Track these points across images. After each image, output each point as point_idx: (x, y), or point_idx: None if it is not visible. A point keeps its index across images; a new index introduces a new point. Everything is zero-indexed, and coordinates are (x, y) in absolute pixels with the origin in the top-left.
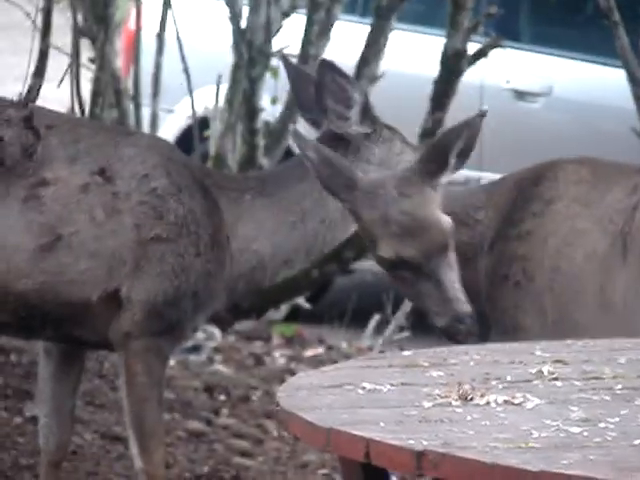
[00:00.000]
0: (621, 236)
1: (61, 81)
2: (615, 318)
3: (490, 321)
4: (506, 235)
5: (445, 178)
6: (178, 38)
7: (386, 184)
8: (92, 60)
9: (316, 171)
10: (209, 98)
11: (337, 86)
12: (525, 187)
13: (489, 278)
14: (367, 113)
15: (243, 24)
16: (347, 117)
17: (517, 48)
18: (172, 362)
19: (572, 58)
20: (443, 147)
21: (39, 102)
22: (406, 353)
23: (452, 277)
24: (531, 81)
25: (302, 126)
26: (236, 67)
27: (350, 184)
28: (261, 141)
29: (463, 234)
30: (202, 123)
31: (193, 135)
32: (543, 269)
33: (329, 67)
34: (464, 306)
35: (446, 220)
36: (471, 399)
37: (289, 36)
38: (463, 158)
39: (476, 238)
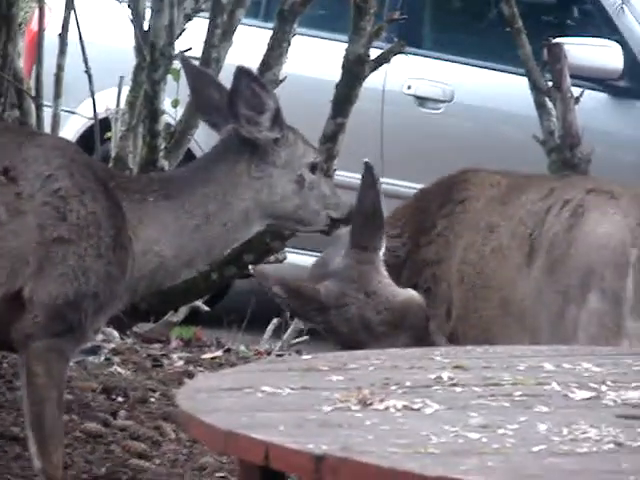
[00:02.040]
0: (530, 238)
1: None
2: (514, 318)
3: None
4: (418, 244)
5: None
6: (80, 39)
7: (349, 292)
8: None
9: (286, 305)
10: (111, 100)
11: (251, 92)
12: (437, 195)
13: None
14: (277, 119)
15: (146, 26)
16: (258, 122)
17: (419, 54)
18: (70, 363)
19: (474, 65)
20: (373, 216)
21: None
22: (306, 357)
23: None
24: (433, 87)
25: (204, 129)
26: (138, 69)
27: (321, 307)
28: (162, 143)
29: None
30: (104, 125)
31: (94, 136)
32: (455, 264)
33: (246, 74)
34: None
35: (414, 293)
36: (370, 404)
37: (192, 39)
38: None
39: (399, 257)
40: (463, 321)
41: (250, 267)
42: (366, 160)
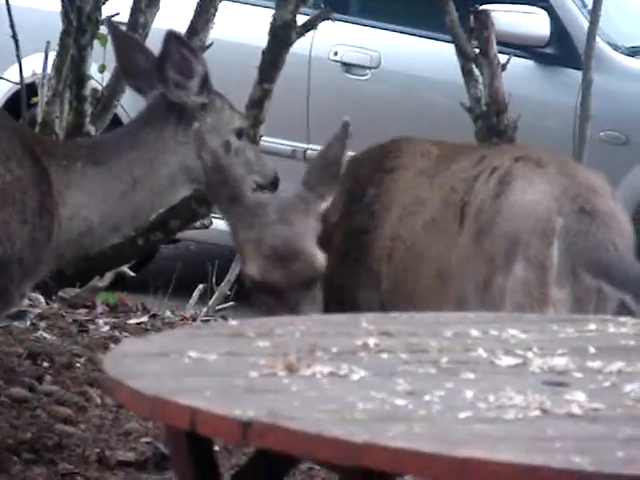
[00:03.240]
0: (460, 205)
1: None
2: (450, 287)
3: (328, 296)
4: (349, 211)
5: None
6: (7, 3)
7: (269, 207)
8: None
9: (207, 175)
10: (37, 65)
11: (180, 57)
12: (369, 163)
13: (333, 255)
14: (205, 84)
15: None
16: (187, 87)
17: (346, 20)
18: None
19: (401, 31)
20: (332, 165)
21: None
22: (232, 323)
23: (311, 313)
24: (359, 54)
25: (130, 94)
26: (65, 34)
27: (235, 198)
28: (89, 108)
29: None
30: (30, 90)
31: (21, 101)
32: (383, 238)
33: (175, 38)
34: None
35: (321, 256)
36: (297, 370)
37: (118, 4)
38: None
39: (328, 221)
40: (393, 295)
41: (194, 128)
42: (346, 119)
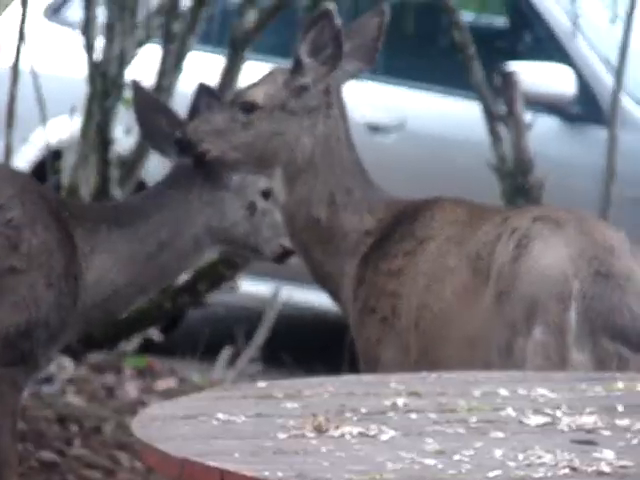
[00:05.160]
0: (485, 269)
1: None
2: (476, 352)
3: (356, 347)
4: (378, 267)
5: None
6: (32, 69)
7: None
8: None
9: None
10: (63, 129)
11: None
12: (402, 222)
13: (358, 305)
14: None
15: (98, 55)
16: None
17: (371, 80)
18: (25, 393)
19: (426, 91)
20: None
21: None
22: (260, 384)
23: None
24: (384, 114)
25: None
26: (90, 98)
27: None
28: (114, 172)
29: (351, 222)
30: (56, 154)
31: (47, 166)
32: (411, 306)
33: (206, 91)
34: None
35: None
36: (326, 431)
37: (143, 66)
38: (367, 60)
39: (359, 236)
40: (420, 363)
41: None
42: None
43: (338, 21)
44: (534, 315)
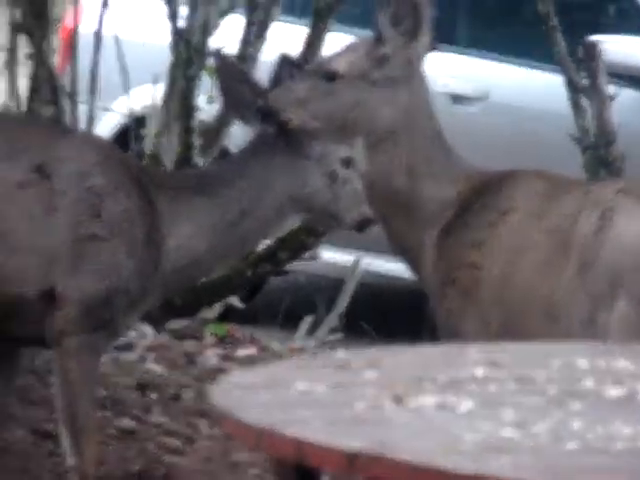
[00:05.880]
0: (566, 241)
1: None
2: (558, 325)
3: (436, 317)
4: (460, 239)
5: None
6: (116, 36)
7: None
8: (29, 56)
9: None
10: (146, 97)
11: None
12: (484, 194)
13: (439, 276)
14: None
15: (181, 23)
16: None
17: (454, 52)
18: (104, 360)
19: (509, 62)
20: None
21: None
22: (340, 354)
23: None
24: (468, 85)
25: (239, 126)
26: (173, 66)
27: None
28: (197, 140)
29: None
30: (139, 122)
31: (129, 134)
32: (492, 279)
33: (288, 62)
34: None
35: None
36: (404, 401)
37: (228, 36)
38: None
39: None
40: (502, 337)
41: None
42: None
43: None
44: (618, 287)
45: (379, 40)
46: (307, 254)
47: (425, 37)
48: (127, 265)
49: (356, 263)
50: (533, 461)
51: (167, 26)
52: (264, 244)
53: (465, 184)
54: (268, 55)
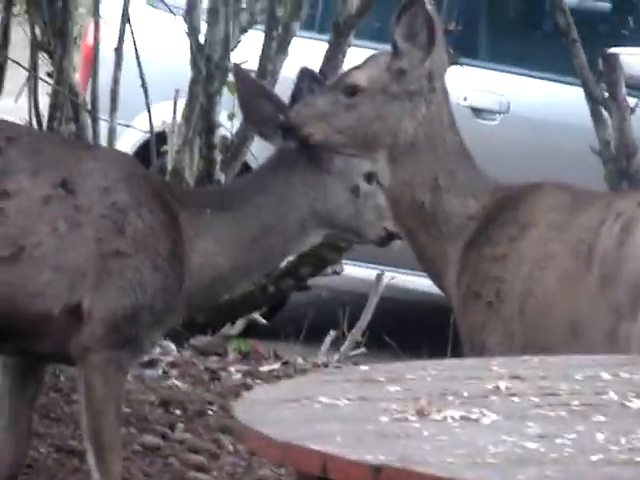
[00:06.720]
0: (588, 253)
1: (19, 95)
2: (581, 339)
3: (460, 331)
4: (482, 253)
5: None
6: (136, 52)
7: None
8: (50, 74)
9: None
10: (166, 113)
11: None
12: (506, 207)
13: (462, 290)
14: None
15: (201, 39)
16: None
17: (475, 65)
18: (128, 376)
19: (530, 75)
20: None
21: None
22: (363, 368)
23: None
24: (488, 98)
25: (260, 141)
26: (194, 82)
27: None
28: (218, 156)
29: (454, 206)
30: (159, 138)
31: (150, 150)
32: (515, 292)
33: (309, 75)
34: None
35: None
36: (428, 414)
37: (247, 51)
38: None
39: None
40: (525, 351)
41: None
42: None
43: (430, 7)
44: (639, 299)
45: (396, 54)
46: (329, 269)
47: (439, 51)
48: (152, 281)
49: (379, 278)
50: (558, 473)
51: (186, 42)
52: (286, 260)
53: (488, 198)
54: (289, 71)
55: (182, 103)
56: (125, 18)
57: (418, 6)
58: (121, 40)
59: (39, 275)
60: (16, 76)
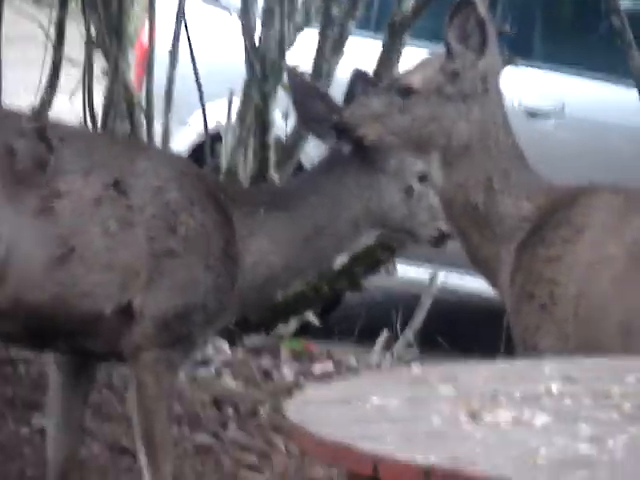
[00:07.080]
0: None
1: (73, 93)
2: (635, 340)
3: (513, 332)
4: (536, 254)
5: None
6: (191, 52)
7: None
8: (105, 72)
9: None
10: (221, 113)
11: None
12: (560, 209)
13: (515, 291)
14: None
15: (256, 39)
16: None
17: (529, 66)
18: (181, 375)
19: (584, 77)
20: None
21: (51, 114)
22: (415, 369)
23: None
24: (543, 100)
25: (315, 141)
26: (249, 82)
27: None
28: (272, 156)
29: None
30: (214, 137)
31: (205, 149)
32: (569, 295)
33: (362, 77)
34: None
35: None
36: (479, 416)
37: (302, 51)
38: None
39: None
40: (581, 352)
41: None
42: None
43: (482, 8)
44: None
45: (449, 55)
46: (383, 269)
47: (492, 53)
48: (204, 280)
49: (432, 278)
50: (609, 476)
51: (241, 42)
52: (340, 260)
53: (542, 199)
54: (344, 71)
55: (237, 103)
56: (180, 17)
57: (470, 8)
58: (176, 40)
59: (90, 275)
60: (71, 75)
